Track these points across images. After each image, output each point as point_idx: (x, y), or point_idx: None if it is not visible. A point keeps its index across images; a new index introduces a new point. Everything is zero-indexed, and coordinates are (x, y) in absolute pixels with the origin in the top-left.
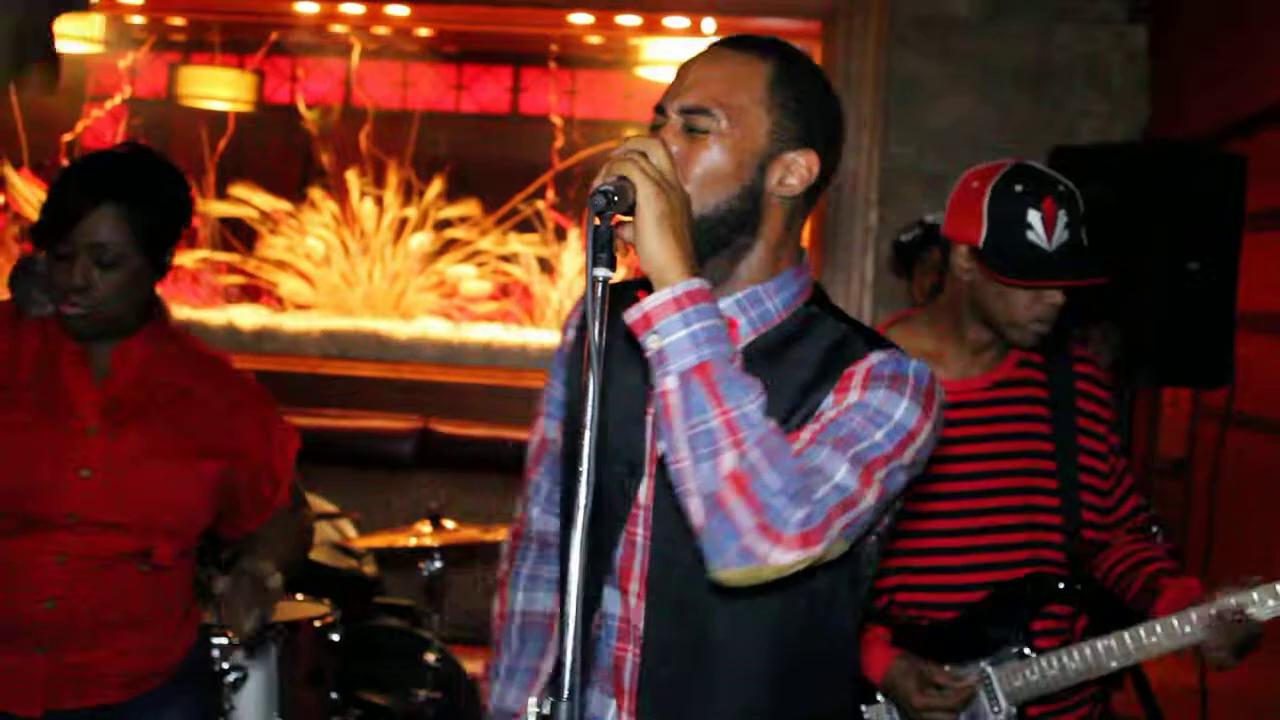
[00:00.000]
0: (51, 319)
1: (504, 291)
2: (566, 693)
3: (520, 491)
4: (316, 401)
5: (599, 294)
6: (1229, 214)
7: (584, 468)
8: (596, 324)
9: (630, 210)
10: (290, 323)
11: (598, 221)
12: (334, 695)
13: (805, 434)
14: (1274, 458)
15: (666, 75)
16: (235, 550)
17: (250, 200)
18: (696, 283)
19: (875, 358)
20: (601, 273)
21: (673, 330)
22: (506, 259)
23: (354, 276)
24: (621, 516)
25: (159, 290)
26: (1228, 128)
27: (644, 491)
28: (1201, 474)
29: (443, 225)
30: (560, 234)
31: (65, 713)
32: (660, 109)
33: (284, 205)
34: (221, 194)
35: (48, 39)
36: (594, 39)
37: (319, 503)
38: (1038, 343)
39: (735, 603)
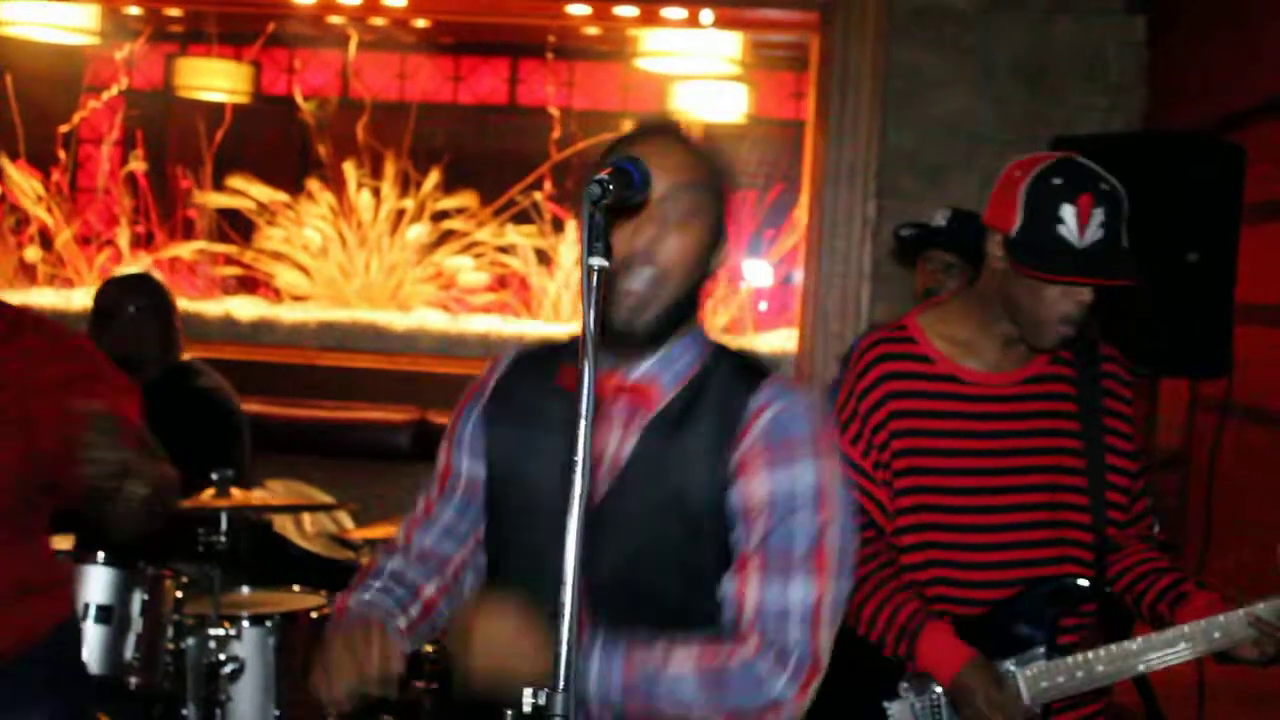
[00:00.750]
0: None
1: (501, 283)
2: (562, 683)
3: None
4: (314, 393)
5: (594, 283)
6: (1227, 205)
7: (579, 455)
8: (591, 313)
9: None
10: (287, 314)
11: (593, 210)
12: None
13: (751, 569)
14: (1271, 448)
15: (664, 67)
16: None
17: (247, 191)
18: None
19: (764, 415)
20: (597, 262)
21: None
22: (504, 250)
23: (351, 268)
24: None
25: None
26: (1226, 120)
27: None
28: (1199, 464)
29: (440, 217)
30: (558, 225)
31: None
32: None
33: (281, 196)
34: (218, 185)
35: None
36: (592, 30)
37: (317, 494)
38: (1060, 346)
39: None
